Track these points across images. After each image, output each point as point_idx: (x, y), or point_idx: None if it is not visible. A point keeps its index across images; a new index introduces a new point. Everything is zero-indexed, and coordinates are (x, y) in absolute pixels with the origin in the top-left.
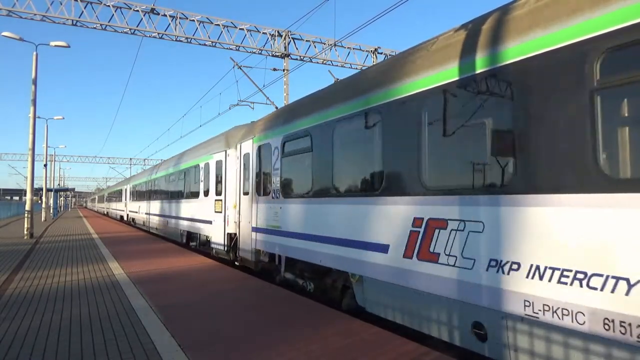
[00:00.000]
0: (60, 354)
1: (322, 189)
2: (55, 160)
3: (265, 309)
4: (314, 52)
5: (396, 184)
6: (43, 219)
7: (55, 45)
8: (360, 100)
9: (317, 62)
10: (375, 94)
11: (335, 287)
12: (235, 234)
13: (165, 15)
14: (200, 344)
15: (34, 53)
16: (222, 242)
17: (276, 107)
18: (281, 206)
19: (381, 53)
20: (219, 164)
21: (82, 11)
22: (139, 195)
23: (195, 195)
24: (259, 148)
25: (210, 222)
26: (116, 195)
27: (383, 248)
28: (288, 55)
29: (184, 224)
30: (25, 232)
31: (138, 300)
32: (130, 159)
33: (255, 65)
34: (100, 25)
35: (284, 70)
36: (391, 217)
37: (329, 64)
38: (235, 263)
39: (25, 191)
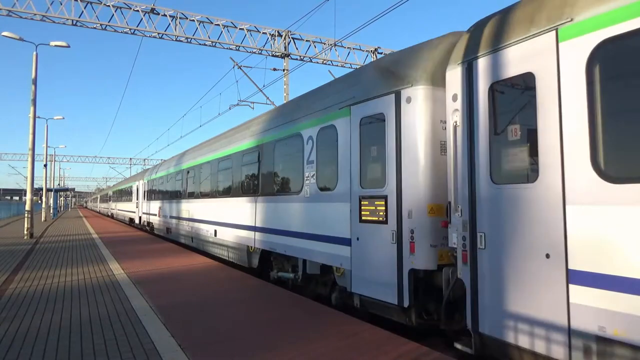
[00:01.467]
0: (60, 354)
1: None
2: (55, 160)
3: (266, 309)
4: (314, 52)
5: None
6: (43, 219)
7: (55, 45)
8: None
9: (317, 62)
10: None
11: None
12: (441, 275)
13: (165, 15)
14: (200, 344)
15: (34, 53)
16: (392, 288)
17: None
18: None
19: (381, 53)
20: (368, 124)
21: (82, 11)
22: (161, 192)
23: (291, 190)
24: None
25: (344, 242)
26: (124, 194)
27: None
28: (288, 55)
29: (263, 239)
30: (25, 232)
31: (138, 300)
32: (130, 159)
33: (255, 65)
34: (100, 25)
35: (284, 70)
36: None
37: (329, 64)
38: (457, 346)
39: (25, 191)
